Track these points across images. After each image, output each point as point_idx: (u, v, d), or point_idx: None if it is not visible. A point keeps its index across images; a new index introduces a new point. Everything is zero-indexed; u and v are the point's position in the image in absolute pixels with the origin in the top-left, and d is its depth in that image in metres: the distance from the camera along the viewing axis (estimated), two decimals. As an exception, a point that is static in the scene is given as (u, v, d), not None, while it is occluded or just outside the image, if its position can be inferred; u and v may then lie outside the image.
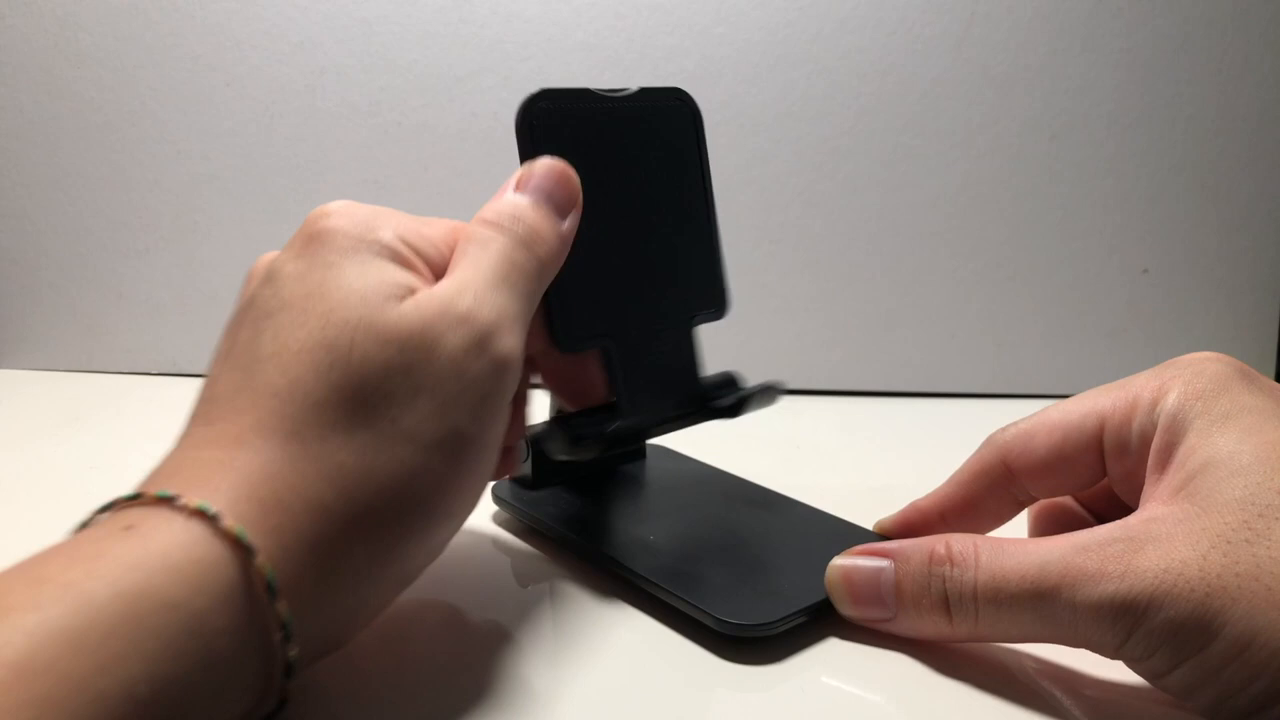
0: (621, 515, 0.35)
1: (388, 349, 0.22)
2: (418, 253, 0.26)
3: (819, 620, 0.29)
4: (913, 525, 0.32)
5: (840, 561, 0.29)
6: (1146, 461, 0.26)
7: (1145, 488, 0.26)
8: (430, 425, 0.22)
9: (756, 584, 0.30)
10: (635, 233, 0.31)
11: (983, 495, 0.30)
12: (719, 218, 0.34)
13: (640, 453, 0.41)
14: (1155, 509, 0.24)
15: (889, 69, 0.57)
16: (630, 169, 0.31)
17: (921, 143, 0.58)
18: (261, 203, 0.59)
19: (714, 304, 0.34)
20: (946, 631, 0.26)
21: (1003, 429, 0.30)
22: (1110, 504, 0.30)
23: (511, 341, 0.25)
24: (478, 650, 0.28)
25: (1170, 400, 0.26)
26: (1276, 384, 0.26)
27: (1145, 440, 0.26)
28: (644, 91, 0.32)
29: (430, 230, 0.27)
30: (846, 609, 0.28)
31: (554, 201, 0.28)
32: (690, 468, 0.40)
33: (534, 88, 0.30)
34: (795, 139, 0.58)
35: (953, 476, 0.31)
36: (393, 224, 0.26)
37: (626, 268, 0.31)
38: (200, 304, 0.60)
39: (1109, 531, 0.24)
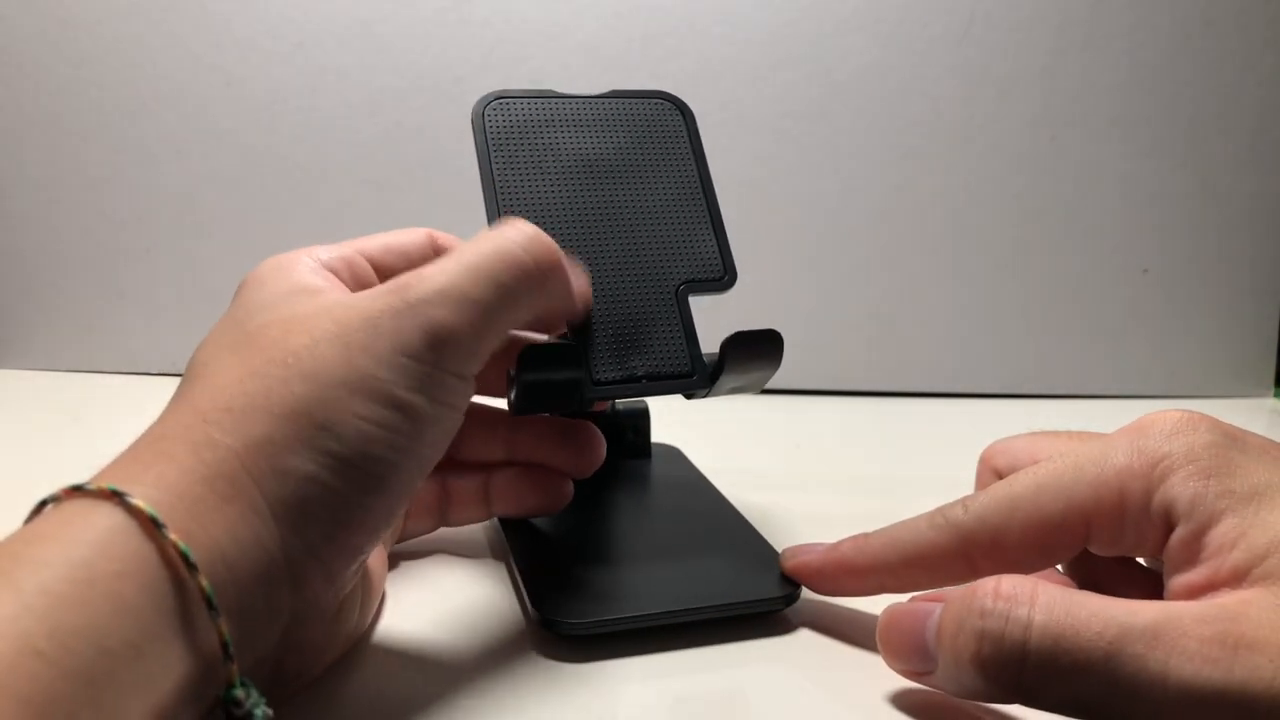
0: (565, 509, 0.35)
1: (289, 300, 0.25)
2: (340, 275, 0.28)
3: (660, 633, 0.28)
4: (824, 575, 0.29)
5: (893, 606, 0.26)
6: (1142, 547, 0.24)
7: (1176, 576, 0.23)
8: (329, 362, 0.23)
9: (608, 588, 0.29)
10: (600, 208, 0.32)
11: (926, 581, 0.28)
12: (721, 204, 0.34)
13: (645, 451, 0.41)
14: (1230, 595, 0.22)
15: (889, 69, 0.57)
16: (600, 154, 0.32)
17: (921, 143, 0.58)
18: (261, 203, 0.59)
19: (711, 273, 0.32)
20: (980, 686, 0.23)
21: (965, 508, 0.26)
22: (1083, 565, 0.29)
23: (443, 314, 0.24)
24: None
25: (1175, 488, 0.23)
26: (1250, 435, 0.25)
27: (1142, 532, 0.24)
28: (616, 93, 0.34)
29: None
30: (890, 660, 0.26)
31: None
32: (677, 473, 0.40)
33: (540, 88, 0.31)
34: (795, 139, 0.58)
35: (898, 543, 0.27)
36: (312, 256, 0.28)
37: (586, 235, 0.31)
38: (200, 304, 0.59)
39: (1202, 610, 0.21)
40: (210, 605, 0.19)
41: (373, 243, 0.30)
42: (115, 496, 0.19)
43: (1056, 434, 0.30)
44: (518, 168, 0.32)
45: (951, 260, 0.60)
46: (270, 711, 0.20)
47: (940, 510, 0.27)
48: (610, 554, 0.32)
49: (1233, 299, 0.60)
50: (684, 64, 0.57)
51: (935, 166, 0.58)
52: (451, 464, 0.34)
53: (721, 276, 0.32)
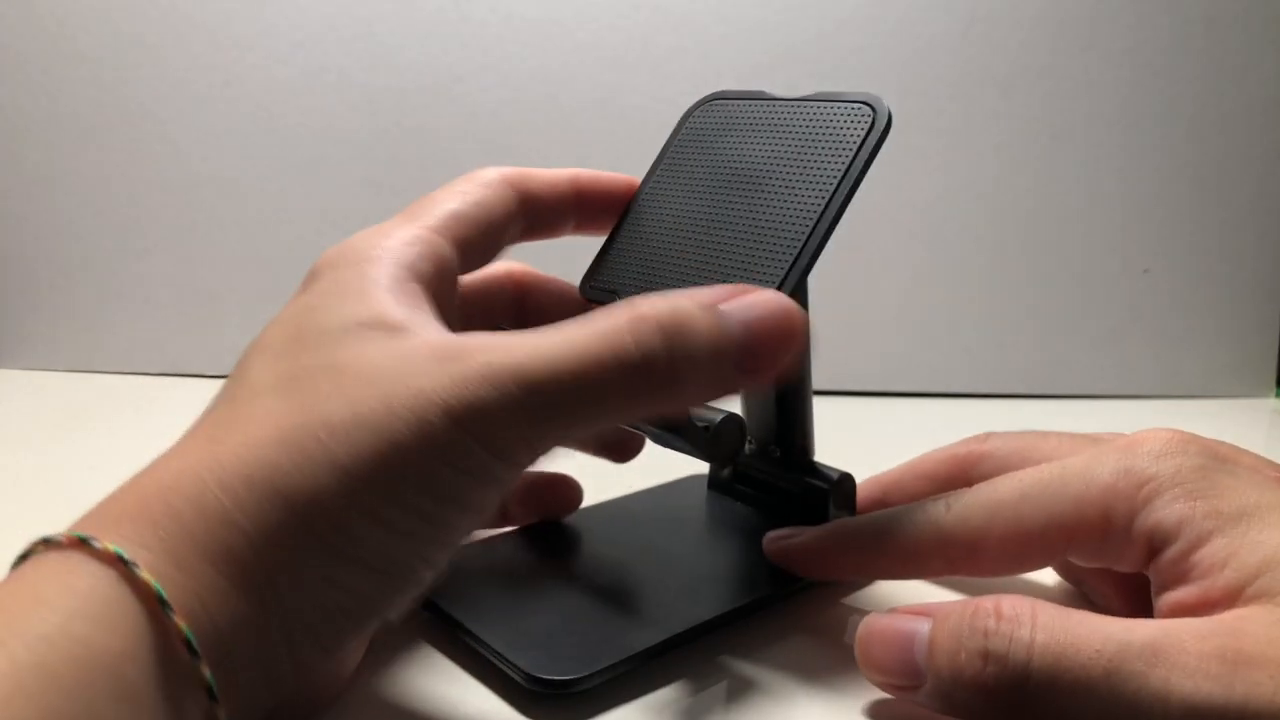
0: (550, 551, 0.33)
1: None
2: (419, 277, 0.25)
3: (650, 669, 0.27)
4: (809, 557, 0.29)
5: (873, 619, 0.25)
6: (1122, 563, 0.25)
7: (1166, 594, 0.24)
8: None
9: (586, 631, 0.27)
10: (711, 225, 0.30)
11: (905, 572, 0.28)
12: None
13: None
14: (1228, 612, 0.22)
15: (889, 69, 0.57)
16: (753, 163, 0.30)
17: (922, 143, 0.58)
18: (261, 203, 0.58)
19: None
20: (976, 706, 0.22)
21: (947, 506, 0.26)
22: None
23: (505, 417, 0.21)
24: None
25: (1160, 511, 0.24)
26: (1243, 455, 0.25)
27: (1122, 550, 0.24)
28: (819, 96, 0.31)
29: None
30: (870, 674, 0.24)
31: (753, 333, 0.23)
32: (680, 501, 0.37)
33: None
34: (795, 139, 0.58)
35: (880, 534, 0.27)
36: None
37: (677, 249, 0.30)
38: (200, 304, 0.59)
39: (1200, 626, 0.21)
40: (212, 696, 0.18)
41: (448, 219, 0.27)
42: (120, 563, 0.18)
43: (1047, 434, 0.30)
44: (674, 172, 0.31)
45: (950, 260, 0.59)
46: None
47: (922, 505, 0.27)
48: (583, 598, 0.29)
49: (1233, 299, 0.60)
50: (684, 64, 0.57)
51: (935, 166, 0.58)
52: None
53: None
